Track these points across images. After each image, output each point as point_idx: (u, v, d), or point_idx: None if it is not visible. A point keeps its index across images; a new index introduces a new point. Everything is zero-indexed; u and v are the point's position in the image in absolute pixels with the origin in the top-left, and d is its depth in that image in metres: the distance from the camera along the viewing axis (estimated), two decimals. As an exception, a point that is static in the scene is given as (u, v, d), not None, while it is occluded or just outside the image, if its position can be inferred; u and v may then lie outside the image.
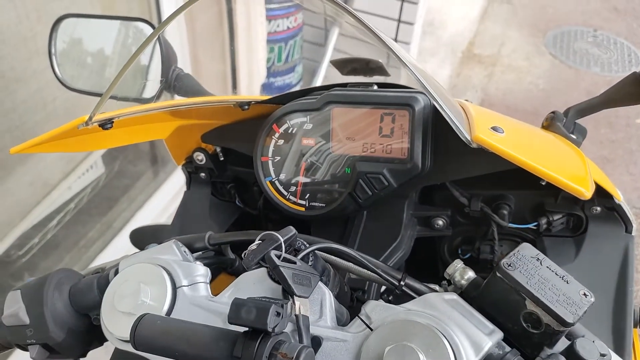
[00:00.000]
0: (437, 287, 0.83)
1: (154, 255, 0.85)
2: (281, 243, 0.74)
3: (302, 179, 1.05)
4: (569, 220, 1.03)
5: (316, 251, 0.80)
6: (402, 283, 0.79)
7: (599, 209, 1.00)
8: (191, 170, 1.28)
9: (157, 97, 1.22)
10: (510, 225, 1.05)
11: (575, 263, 1.00)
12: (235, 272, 1.02)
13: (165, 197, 2.83)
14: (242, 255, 0.76)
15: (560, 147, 1.01)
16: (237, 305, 0.60)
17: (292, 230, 0.76)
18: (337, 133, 1.01)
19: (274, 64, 3.32)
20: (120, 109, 0.92)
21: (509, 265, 0.71)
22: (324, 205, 1.04)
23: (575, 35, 5.22)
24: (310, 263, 0.79)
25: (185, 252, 0.87)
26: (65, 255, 2.59)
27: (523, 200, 1.04)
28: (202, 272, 0.81)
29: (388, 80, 1.07)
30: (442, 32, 4.89)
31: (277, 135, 1.06)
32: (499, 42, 5.19)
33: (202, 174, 1.27)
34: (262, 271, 0.77)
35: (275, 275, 0.72)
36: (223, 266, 1.01)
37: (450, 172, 1.01)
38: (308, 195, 1.05)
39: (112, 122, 0.87)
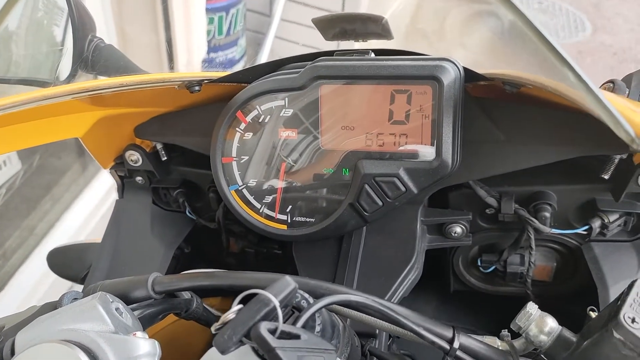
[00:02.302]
0: (497, 342, 0.58)
1: (69, 325, 0.55)
2: (275, 308, 0.45)
3: (281, 184, 0.76)
4: (627, 221, 0.80)
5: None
6: (455, 346, 0.53)
7: None
8: (123, 174, 0.97)
9: (72, 77, 0.89)
10: (554, 230, 0.80)
11: None
12: (193, 317, 0.73)
13: (97, 195, 2.47)
14: (213, 329, 0.48)
15: None
16: None
17: (289, 284, 0.48)
18: (329, 120, 0.73)
19: (214, 37, 2.96)
20: (6, 97, 0.59)
21: (633, 321, 0.46)
22: (313, 220, 0.76)
23: (521, 2, 5.12)
24: (317, 330, 0.51)
25: (118, 310, 0.59)
26: (-22, 269, 2.20)
27: (568, 199, 0.80)
28: (147, 349, 0.53)
29: (389, 46, 0.79)
30: (383, 9, 4.68)
31: (243, 126, 0.76)
32: (442, 16, 5.01)
33: (139, 178, 0.97)
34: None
35: (271, 362, 0.44)
36: (175, 312, 0.73)
37: (479, 169, 0.76)
38: (290, 207, 0.77)
39: (-13, 119, 0.55)
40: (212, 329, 0.48)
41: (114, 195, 1.04)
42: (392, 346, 0.81)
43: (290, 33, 3.32)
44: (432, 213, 0.84)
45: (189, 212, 0.98)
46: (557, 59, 0.45)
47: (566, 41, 4.66)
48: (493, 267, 0.90)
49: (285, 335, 0.46)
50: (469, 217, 0.83)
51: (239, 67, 3.28)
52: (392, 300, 0.74)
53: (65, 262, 1.15)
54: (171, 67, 2.24)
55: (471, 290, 0.96)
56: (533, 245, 0.82)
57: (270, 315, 0.47)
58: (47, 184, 2.51)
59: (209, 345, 1.12)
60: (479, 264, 0.91)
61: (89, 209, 2.41)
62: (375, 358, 0.68)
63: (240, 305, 0.48)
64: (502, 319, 1.03)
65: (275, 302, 0.46)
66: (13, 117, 0.64)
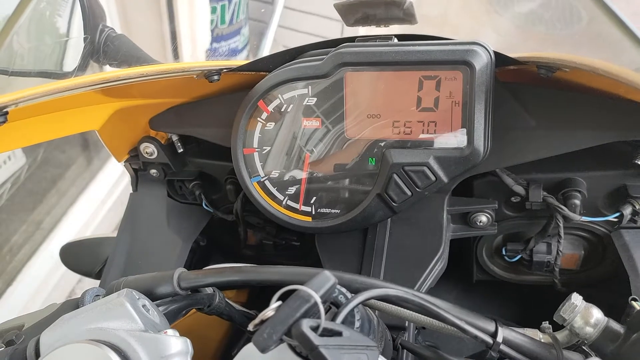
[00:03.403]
0: (539, 334, 0.56)
1: (96, 324, 0.53)
2: (317, 305, 0.43)
3: (305, 175, 0.74)
4: (659, 207, 0.78)
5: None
6: (498, 340, 0.51)
7: None
8: (138, 167, 0.94)
9: (82, 67, 0.86)
10: (584, 218, 0.78)
11: None
12: (215, 312, 0.72)
13: (103, 188, 2.44)
14: (251, 327, 0.46)
15: None
16: None
17: (329, 279, 0.46)
18: (354, 109, 0.71)
19: (217, 27, 2.92)
20: (20, 90, 0.57)
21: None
22: (338, 211, 0.74)
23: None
24: (357, 325, 0.50)
25: (145, 307, 0.57)
26: (-15, 265, 2.18)
27: (598, 185, 0.78)
28: (179, 348, 0.51)
29: (412, 30, 0.76)
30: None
31: (264, 116, 0.74)
32: (445, 2, 4.97)
33: (154, 171, 0.95)
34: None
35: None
36: (198, 307, 0.71)
37: (508, 156, 0.74)
38: (314, 198, 0.75)
39: (6, 113, 0.53)
40: (250, 326, 0.46)
41: (120, 188, 1.02)
42: (418, 337, 0.79)
43: (293, 21, 3.28)
44: (457, 202, 0.82)
45: (206, 205, 0.96)
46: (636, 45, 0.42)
47: (562, 32, 4.63)
48: (519, 256, 0.88)
49: (327, 333, 0.44)
50: (494, 205, 0.81)
51: (242, 57, 3.24)
52: (420, 292, 0.73)
53: (79, 257, 1.13)
54: (176, 58, 2.21)
55: (494, 279, 0.94)
56: (562, 234, 0.80)
57: (310, 312, 0.45)
58: (52, 178, 2.49)
59: (228, 338, 1.11)
60: (504, 253, 0.89)
61: (96, 201, 2.38)
62: (406, 351, 0.66)
63: (279, 302, 0.46)
64: (525, 308, 1.02)
65: (317, 298, 0.44)
66: (32, 110, 0.61)
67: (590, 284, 0.89)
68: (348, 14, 0.75)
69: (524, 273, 0.91)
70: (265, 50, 3.21)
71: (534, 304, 1.02)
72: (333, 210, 0.75)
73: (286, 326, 0.43)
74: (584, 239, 0.86)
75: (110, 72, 0.61)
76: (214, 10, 2.82)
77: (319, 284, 0.46)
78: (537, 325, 0.63)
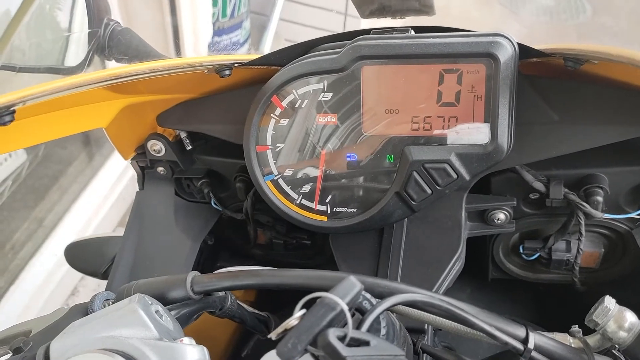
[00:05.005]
0: (569, 339, 0.54)
1: (108, 331, 0.51)
2: (343, 312, 0.41)
3: (320, 173, 0.72)
4: (683, 204, 0.76)
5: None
6: (529, 346, 0.49)
7: None
8: (145, 164, 0.92)
9: (87, 63, 0.84)
10: (606, 215, 0.76)
11: None
12: (227, 314, 0.70)
13: (106, 184, 2.42)
14: (274, 337, 0.43)
15: None
16: None
17: (355, 285, 0.44)
18: (371, 104, 0.68)
19: (218, 20, 2.88)
20: (26, 88, 0.54)
21: None
22: (355, 210, 0.72)
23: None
24: (383, 333, 0.47)
25: (158, 313, 0.55)
26: (-12, 263, 2.17)
27: (620, 181, 0.76)
28: (195, 357, 0.49)
29: (427, 22, 0.73)
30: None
31: (278, 112, 0.72)
32: (449, -5, 4.95)
33: (161, 169, 0.92)
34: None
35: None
36: (209, 310, 0.69)
37: (530, 152, 0.72)
38: (330, 197, 0.73)
39: (13, 111, 0.50)
40: (273, 336, 0.44)
41: (123, 184, 0.99)
42: (435, 339, 0.77)
43: (295, 14, 3.24)
44: (475, 199, 0.80)
45: (214, 203, 0.94)
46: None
47: (567, 23, 4.60)
48: (537, 255, 0.85)
49: (354, 342, 0.42)
50: (513, 203, 0.79)
51: (243, 51, 3.20)
52: (440, 294, 0.71)
53: (84, 256, 1.10)
54: (178, 52, 2.18)
55: (510, 278, 0.92)
56: (583, 231, 0.78)
57: (336, 321, 0.43)
58: (54, 175, 2.46)
59: (237, 338, 1.08)
60: (521, 251, 0.86)
61: (99, 197, 2.36)
62: (426, 355, 0.64)
63: (304, 310, 0.43)
64: (540, 306, 1.00)
65: (343, 305, 0.42)
66: (39, 108, 0.59)
67: (606, 282, 0.87)
68: (363, 5, 0.72)
69: (542, 271, 0.89)
70: (267, 44, 3.18)
71: (550, 302, 1.00)
72: (349, 209, 0.72)
73: (312, 336, 0.41)
74: (604, 237, 0.84)
75: (119, 67, 0.58)
76: (215, 3, 2.79)
77: (345, 290, 0.43)
78: (555, 324, 0.60)
